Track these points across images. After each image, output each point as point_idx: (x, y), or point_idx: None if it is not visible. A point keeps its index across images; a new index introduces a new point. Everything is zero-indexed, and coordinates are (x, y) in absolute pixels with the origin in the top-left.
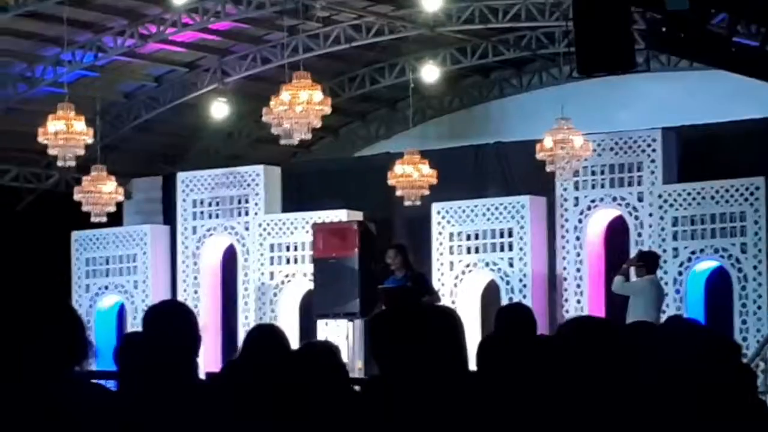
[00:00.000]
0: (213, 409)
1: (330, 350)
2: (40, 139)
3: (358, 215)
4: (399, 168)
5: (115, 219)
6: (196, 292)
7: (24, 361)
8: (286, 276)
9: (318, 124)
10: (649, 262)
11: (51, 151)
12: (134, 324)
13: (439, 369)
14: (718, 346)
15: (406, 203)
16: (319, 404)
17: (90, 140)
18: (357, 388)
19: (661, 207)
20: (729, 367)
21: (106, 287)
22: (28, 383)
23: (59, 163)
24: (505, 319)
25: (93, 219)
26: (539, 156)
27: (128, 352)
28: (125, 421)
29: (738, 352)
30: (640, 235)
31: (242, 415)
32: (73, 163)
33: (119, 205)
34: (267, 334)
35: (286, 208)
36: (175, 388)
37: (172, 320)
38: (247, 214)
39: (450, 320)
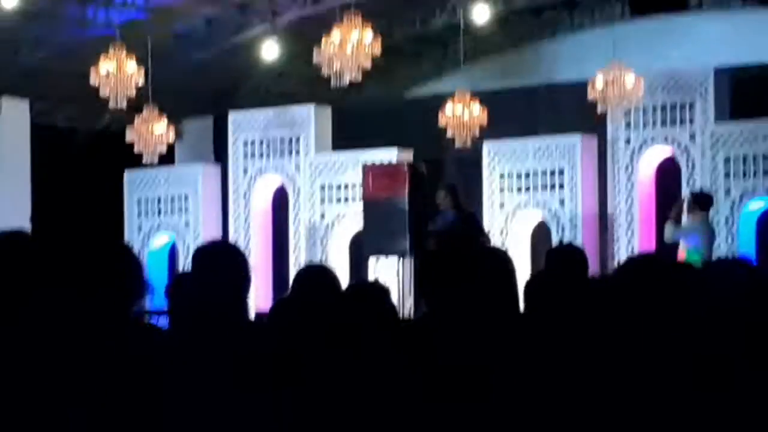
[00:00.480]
0: (261, 348)
1: (380, 291)
2: (93, 80)
3: (409, 155)
4: (450, 108)
5: (167, 159)
6: (247, 232)
7: (87, 300)
8: (337, 216)
9: (368, 64)
10: (701, 201)
11: (103, 93)
12: (185, 263)
13: (488, 310)
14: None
15: (457, 144)
16: (369, 345)
17: (141, 81)
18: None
19: (713, 146)
20: None
21: (158, 227)
22: (90, 323)
23: (111, 104)
24: (556, 259)
25: (145, 159)
26: (591, 96)
27: (178, 292)
28: (176, 360)
29: None
30: (692, 174)
31: (291, 354)
32: (124, 104)
33: (171, 145)
34: (316, 274)
35: (337, 147)
36: (224, 328)
37: (220, 260)
38: (297, 153)
39: (502, 262)
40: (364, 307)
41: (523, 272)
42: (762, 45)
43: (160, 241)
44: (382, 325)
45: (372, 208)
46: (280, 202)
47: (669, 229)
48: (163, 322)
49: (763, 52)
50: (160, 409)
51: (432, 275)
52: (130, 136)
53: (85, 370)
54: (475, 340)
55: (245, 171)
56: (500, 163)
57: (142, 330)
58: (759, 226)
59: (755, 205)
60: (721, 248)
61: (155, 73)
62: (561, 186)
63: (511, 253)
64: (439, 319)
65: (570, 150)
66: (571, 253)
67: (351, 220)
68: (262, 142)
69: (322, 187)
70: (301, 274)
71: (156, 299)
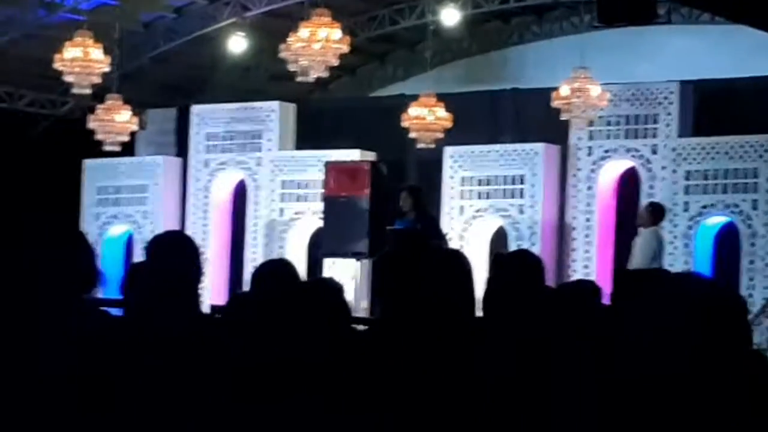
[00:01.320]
0: (214, 340)
1: (333, 288)
2: (57, 65)
3: (371, 155)
4: (414, 110)
5: (128, 149)
6: (205, 225)
7: (37, 286)
8: (296, 213)
9: (335, 62)
10: (654, 213)
11: (67, 78)
12: (142, 254)
13: (442, 312)
14: (722, 300)
15: (420, 146)
16: (319, 341)
17: (107, 69)
18: (361, 327)
19: (674, 160)
20: (732, 322)
21: (116, 216)
22: (40, 309)
23: (74, 91)
24: (508, 265)
25: (106, 148)
26: (555, 104)
27: (132, 281)
28: (129, 347)
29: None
30: (651, 187)
31: (243, 347)
32: (88, 91)
33: (133, 135)
34: (277, 269)
35: (300, 145)
36: (176, 318)
37: (173, 250)
38: (260, 149)
39: (457, 263)
40: (317, 303)
41: (480, 277)
42: (728, 60)
43: (118, 230)
44: (334, 321)
45: (332, 207)
46: (240, 197)
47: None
48: (116, 312)
49: (728, 67)
50: (111, 394)
51: (386, 276)
52: (91, 123)
53: (35, 352)
54: (427, 342)
55: (206, 164)
56: (462, 168)
57: (94, 316)
58: (716, 242)
59: (713, 221)
60: (678, 262)
61: (121, 61)
62: (521, 193)
63: (469, 258)
64: (393, 320)
65: (532, 158)
66: (525, 259)
67: (310, 217)
68: (224, 137)
69: (283, 184)
70: (261, 269)
71: (110, 289)
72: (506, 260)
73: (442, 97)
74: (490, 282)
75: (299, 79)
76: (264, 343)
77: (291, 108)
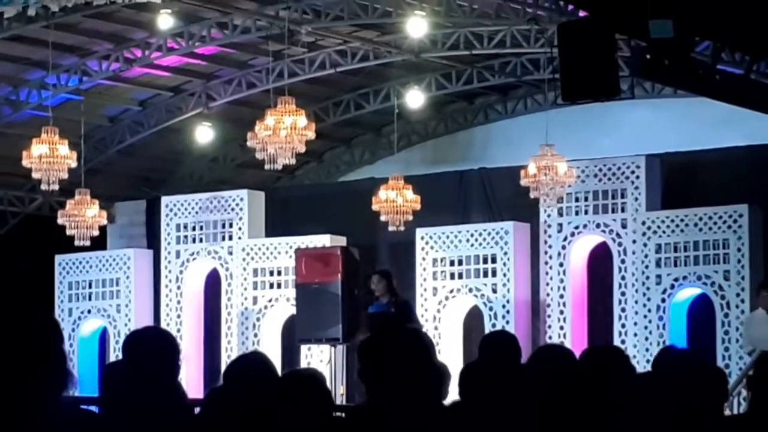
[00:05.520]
0: None
1: (314, 378)
2: (25, 162)
3: (342, 240)
4: (383, 193)
5: (98, 243)
6: (179, 316)
7: (10, 389)
8: (269, 301)
9: (302, 149)
10: None
11: (35, 175)
12: (117, 348)
13: (420, 395)
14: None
15: (390, 228)
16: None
17: (74, 164)
18: (341, 414)
19: (644, 234)
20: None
21: (89, 311)
22: (15, 410)
23: (43, 187)
24: (489, 347)
25: (76, 243)
26: (523, 182)
27: (111, 378)
28: None
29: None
30: (623, 261)
31: None
32: (56, 187)
33: (103, 229)
34: (249, 366)
35: (270, 232)
36: (156, 414)
37: (150, 346)
38: (230, 238)
39: (417, 340)
40: (299, 395)
41: (455, 357)
42: (693, 133)
43: (91, 325)
44: (318, 412)
45: (305, 293)
46: (213, 286)
47: None
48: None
49: (694, 140)
50: None
51: (368, 361)
52: (61, 219)
53: None
54: (410, 428)
55: (178, 255)
56: (433, 249)
57: (74, 414)
58: (690, 314)
59: (686, 293)
60: (653, 336)
61: (88, 155)
62: (494, 272)
63: (444, 338)
64: (375, 405)
65: (503, 237)
66: (506, 341)
67: (284, 304)
68: (194, 227)
69: (255, 272)
70: (232, 366)
71: (85, 386)
72: (483, 342)
73: (410, 179)
74: (469, 364)
75: (267, 167)
76: None
77: (260, 196)
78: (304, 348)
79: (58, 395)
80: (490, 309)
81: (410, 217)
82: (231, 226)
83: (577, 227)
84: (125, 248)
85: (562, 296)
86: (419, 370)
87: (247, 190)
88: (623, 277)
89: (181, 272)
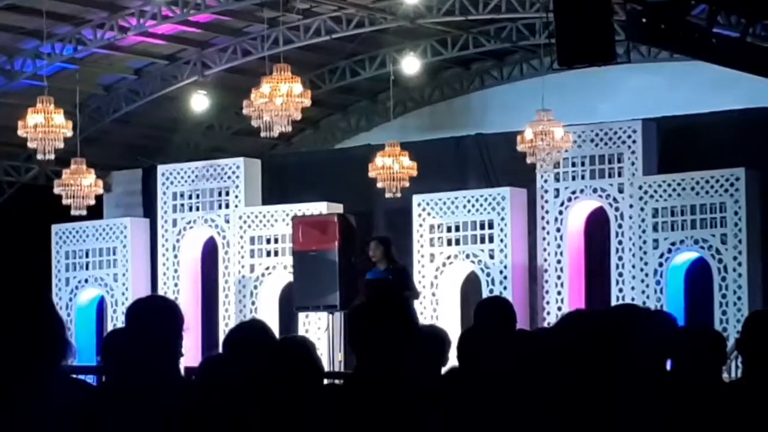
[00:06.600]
0: (190, 406)
1: (306, 347)
2: (20, 132)
3: (339, 207)
4: (379, 160)
5: (95, 212)
6: (176, 284)
7: (9, 359)
8: (267, 268)
9: (298, 116)
10: None
11: (31, 144)
12: (114, 317)
13: (416, 361)
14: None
15: (387, 195)
16: (294, 400)
17: (69, 133)
18: (338, 381)
19: (641, 198)
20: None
21: (86, 280)
22: (14, 380)
23: (39, 157)
24: (484, 312)
25: (73, 212)
26: (520, 147)
27: (111, 348)
28: (107, 417)
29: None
30: (620, 226)
31: (219, 411)
32: (52, 157)
33: (99, 198)
34: (248, 333)
35: (266, 200)
36: (155, 384)
37: (155, 316)
38: (227, 206)
39: (409, 307)
40: (289, 363)
41: (453, 324)
42: (690, 97)
43: (89, 294)
44: (307, 379)
45: (302, 261)
46: (210, 254)
47: None
48: (90, 379)
49: (690, 104)
50: None
51: (360, 327)
52: (57, 188)
53: (14, 424)
54: (405, 393)
55: (174, 223)
56: (430, 216)
57: (71, 386)
58: (687, 278)
59: (683, 257)
60: (650, 300)
61: (84, 124)
62: (491, 238)
63: (441, 305)
64: (367, 370)
65: (499, 202)
66: (500, 306)
67: (281, 272)
68: (191, 195)
69: (252, 240)
70: (232, 334)
71: (83, 354)
72: (478, 308)
73: (406, 146)
74: (466, 331)
75: (263, 134)
76: (240, 405)
77: (256, 164)
78: (301, 315)
79: (57, 364)
80: (488, 275)
81: (407, 184)
82: (227, 194)
83: (573, 192)
84: (122, 217)
85: (559, 261)
86: (411, 336)
87: (243, 158)
88: (620, 242)
89: (177, 241)
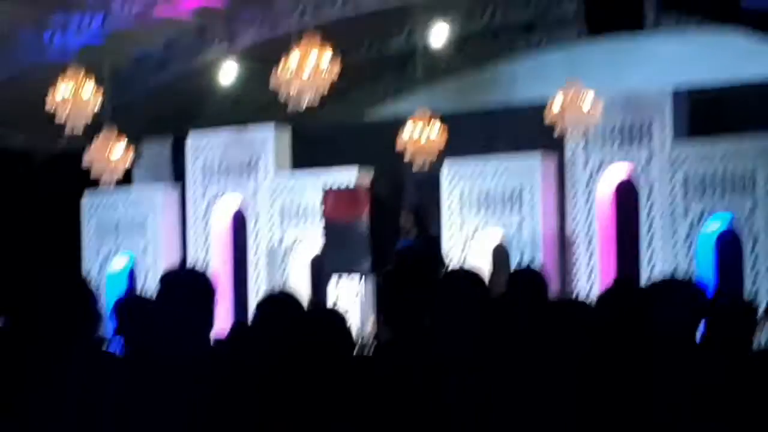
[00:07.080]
0: (218, 378)
1: (336, 318)
2: (49, 104)
3: (369, 176)
4: (408, 130)
5: (125, 181)
6: (206, 254)
7: (41, 331)
8: (297, 237)
9: (327, 87)
10: None
11: (60, 117)
12: (144, 286)
13: (446, 330)
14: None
15: (415, 166)
16: (322, 372)
17: (98, 105)
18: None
19: (671, 166)
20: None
21: (117, 250)
22: (45, 351)
23: (67, 130)
24: (517, 282)
25: (103, 182)
26: (549, 117)
27: (134, 316)
28: (135, 389)
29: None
30: (650, 194)
31: (247, 383)
32: (81, 130)
33: (129, 167)
34: (278, 304)
35: (296, 169)
36: (184, 357)
37: (188, 290)
38: (257, 175)
39: (437, 273)
40: (319, 335)
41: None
42: (719, 65)
43: (119, 263)
44: (337, 354)
45: (332, 231)
46: (240, 223)
47: None
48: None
49: (720, 71)
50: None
51: (391, 293)
52: (87, 158)
53: (41, 398)
54: (435, 360)
55: (204, 193)
56: (459, 183)
57: (97, 356)
58: (717, 246)
59: (713, 226)
60: (680, 268)
61: (113, 96)
62: (520, 206)
63: None
64: (399, 338)
65: (529, 170)
66: (533, 276)
67: (311, 242)
68: (221, 164)
69: (282, 209)
70: (261, 304)
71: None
72: (510, 278)
73: (435, 116)
74: (497, 299)
75: (291, 106)
76: (270, 377)
77: (286, 131)
78: (332, 283)
79: (88, 337)
80: (517, 243)
81: (436, 154)
82: (257, 162)
83: (603, 160)
84: (152, 185)
85: (589, 230)
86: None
87: (273, 123)
88: (650, 210)
89: (207, 210)
